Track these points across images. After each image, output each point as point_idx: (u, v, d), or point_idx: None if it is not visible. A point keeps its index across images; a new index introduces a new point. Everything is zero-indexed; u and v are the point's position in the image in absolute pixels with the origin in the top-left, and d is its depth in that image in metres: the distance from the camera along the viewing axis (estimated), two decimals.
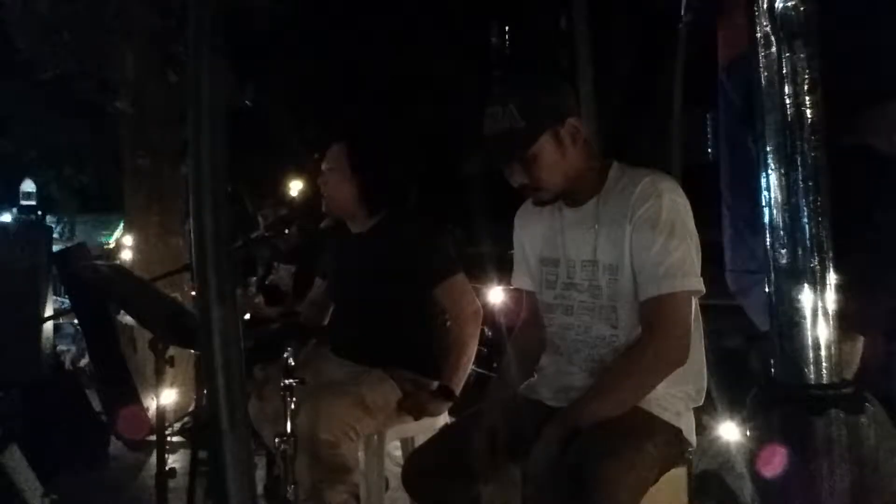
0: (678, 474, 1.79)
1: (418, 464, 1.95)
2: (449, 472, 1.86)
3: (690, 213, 1.76)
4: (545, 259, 1.93)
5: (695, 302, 1.78)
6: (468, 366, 2.53)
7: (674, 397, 1.78)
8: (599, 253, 1.79)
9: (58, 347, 5.73)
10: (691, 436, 1.82)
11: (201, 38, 0.97)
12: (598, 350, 1.81)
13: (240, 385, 0.95)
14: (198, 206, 0.92)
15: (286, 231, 3.11)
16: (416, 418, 2.45)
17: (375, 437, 2.48)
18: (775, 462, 1.29)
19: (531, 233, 1.99)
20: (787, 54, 1.39)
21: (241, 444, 0.92)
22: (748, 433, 1.43)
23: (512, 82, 1.83)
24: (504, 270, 2.12)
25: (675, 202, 1.72)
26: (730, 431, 2.37)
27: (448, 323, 2.61)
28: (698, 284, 1.73)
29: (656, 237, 1.69)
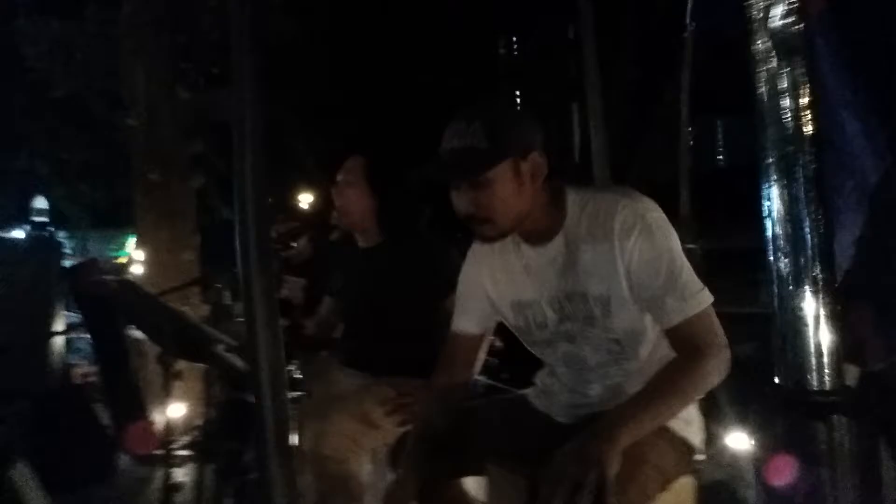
0: (686, 484, 1.76)
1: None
2: (434, 458, 1.84)
3: (669, 224, 1.68)
4: (521, 303, 1.82)
5: None
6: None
7: None
8: (587, 285, 1.70)
9: (69, 362, 5.75)
10: (699, 441, 1.78)
11: (244, 61, 0.96)
12: (607, 377, 1.77)
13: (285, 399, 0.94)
14: (244, 241, 0.91)
15: (294, 245, 3.11)
16: (408, 420, 2.42)
17: (382, 449, 2.47)
18: (783, 470, 1.28)
19: (492, 275, 1.87)
20: (787, 69, 1.40)
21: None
22: (753, 440, 1.42)
23: (482, 104, 1.74)
24: None
25: (658, 222, 1.65)
26: (739, 441, 2.35)
27: None
28: (710, 294, 1.67)
29: (660, 266, 1.62)
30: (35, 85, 6.88)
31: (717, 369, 1.63)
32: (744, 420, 2.21)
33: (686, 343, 1.64)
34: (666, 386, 1.61)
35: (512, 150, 1.65)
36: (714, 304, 1.74)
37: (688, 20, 3.54)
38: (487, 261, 1.87)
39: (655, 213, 1.67)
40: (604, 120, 3.03)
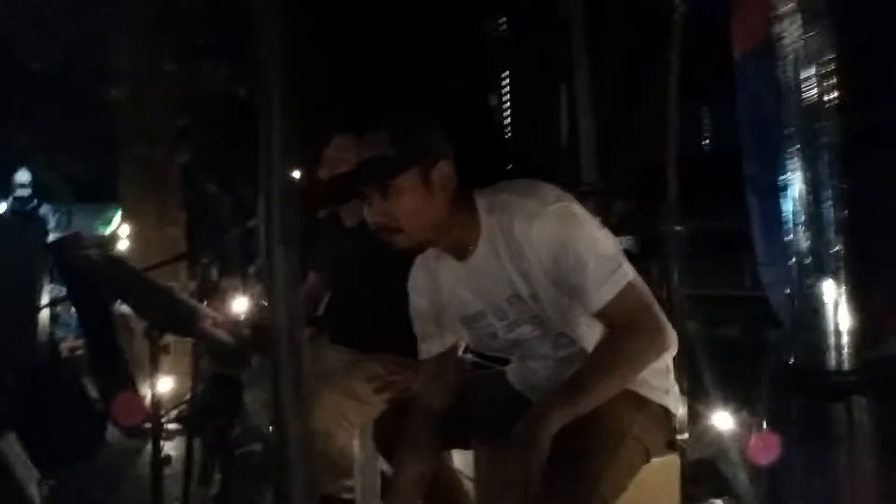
0: (671, 462, 1.80)
1: (393, 420, 1.98)
2: (420, 431, 1.88)
3: (577, 206, 1.66)
4: (468, 318, 1.82)
5: (639, 279, 1.71)
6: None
7: (660, 369, 1.76)
8: (519, 287, 1.70)
9: (55, 336, 5.73)
10: (677, 408, 1.80)
11: (271, 39, 0.95)
12: (567, 368, 1.74)
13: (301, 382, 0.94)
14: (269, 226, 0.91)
15: None
16: (399, 396, 2.45)
17: (370, 425, 2.49)
18: (768, 449, 1.29)
19: (436, 297, 1.86)
20: (811, 34, 1.34)
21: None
22: (763, 421, 1.41)
23: (391, 115, 1.74)
24: None
25: (556, 212, 1.63)
26: (724, 420, 2.39)
27: None
28: (630, 269, 1.66)
29: (565, 255, 1.61)
30: (17, 55, 6.77)
31: (650, 344, 1.62)
32: (733, 401, 2.24)
33: (614, 323, 1.63)
34: (597, 366, 1.61)
35: (419, 157, 1.66)
36: (700, 287, 1.76)
37: (675, 2, 3.53)
38: (427, 286, 1.87)
39: (552, 206, 1.64)
40: (591, 103, 3.04)
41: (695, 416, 2.15)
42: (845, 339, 1.30)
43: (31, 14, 6.01)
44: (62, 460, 3.31)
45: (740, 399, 2.25)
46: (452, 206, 1.71)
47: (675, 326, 1.75)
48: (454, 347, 1.94)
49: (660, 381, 1.77)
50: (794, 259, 1.34)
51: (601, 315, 1.64)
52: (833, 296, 1.31)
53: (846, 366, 1.29)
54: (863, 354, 1.30)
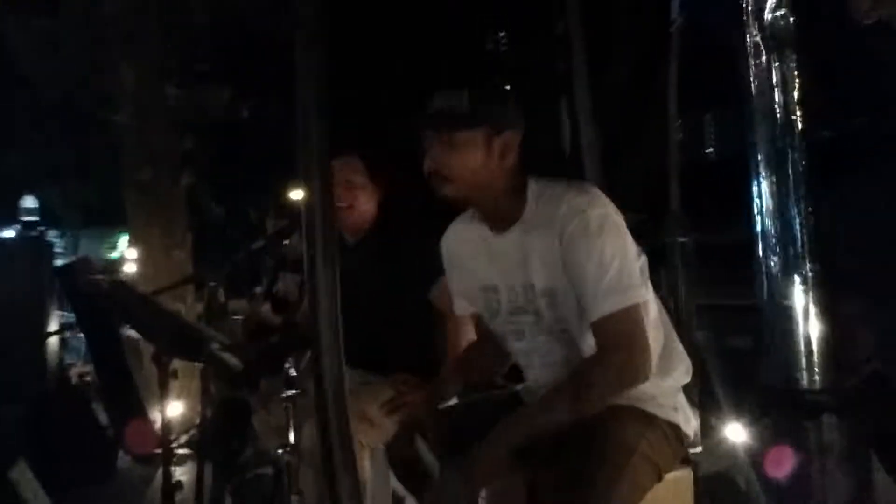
0: (683, 476, 1.78)
1: (406, 443, 1.97)
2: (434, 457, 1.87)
3: (621, 223, 1.71)
4: (485, 287, 1.88)
5: (654, 301, 1.76)
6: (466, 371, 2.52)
7: (669, 387, 1.76)
8: (535, 278, 1.75)
9: (64, 361, 5.74)
10: (690, 428, 1.79)
11: (309, 59, 0.97)
12: (566, 371, 1.78)
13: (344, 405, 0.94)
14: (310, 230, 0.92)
15: (286, 241, 3.11)
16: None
17: (381, 446, 2.47)
18: (782, 464, 1.28)
19: (463, 261, 1.95)
20: (777, 64, 1.39)
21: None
22: (748, 434, 1.42)
23: (477, 79, 1.87)
24: None
25: (600, 217, 1.68)
26: (736, 432, 2.37)
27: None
28: (643, 295, 1.69)
29: (590, 255, 1.65)
30: (23, 83, 6.83)
31: (619, 378, 1.64)
32: (739, 412, 2.22)
33: (601, 341, 1.66)
34: (566, 388, 1.66)
35: (489, 121, 1.74)
36: (706, 297, 1.75)
37: (675, 14, 3.54)
38: (460, 246, 1.95)
39: (599, 210, 1.69)
40: (593, 114, 3.04)
41: (707, 429, 2.13)
42: (816, 358, 1.32)
43: (38, 40, 6.07)
44: (73, 487, 3.31)
45: (753, 411, 2.23)
46: (506, 178, 1.78)
47: (683, 337, 1.75)
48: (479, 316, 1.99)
49: (668, 398, 1.76)
50: (764, 277, 1.37)
51: (595, 326, 1.67)
52: (803, 314, 1.33)
53: (818, 384, 1.31)
54: (833, 375, 1.31)
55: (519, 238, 1.77)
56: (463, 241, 1.94)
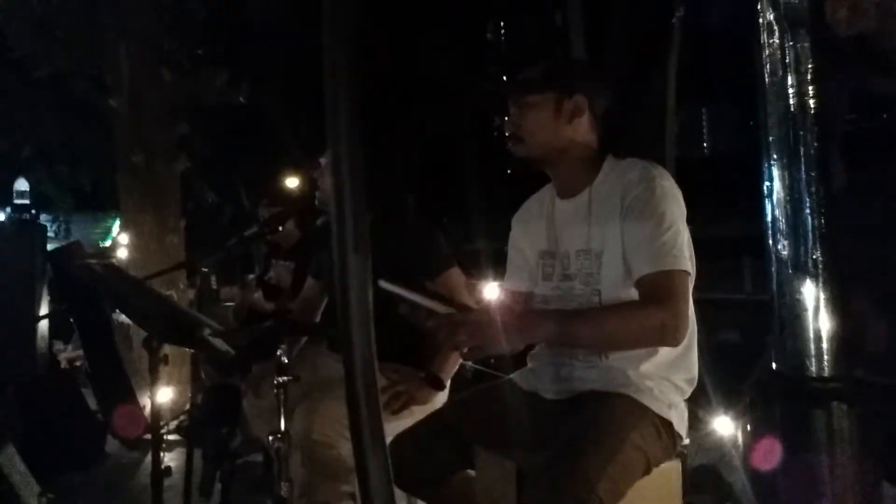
0: (672, 468, 1.78)
1: (403, 447, 1.96)
2: (433, 458, 1.88)
3: (683, 203, 1.76)
4: (543, 252, 1.95)
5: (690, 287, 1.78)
6: (458, 357, 2.53)
7: (668, 387, 1.78)
8: (592, 242, 1.81)
9: (54, 346, 5.73)
10: (683, 429, 1.81)
11: (338, 51, 0.95)
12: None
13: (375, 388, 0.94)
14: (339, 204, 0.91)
15: (280, 228, 3.11)
16: (404, 407, 2.44)
17: None
18: (772, 455, 1.28)
19: (528, 231, 2.01)
20: (791, 43, 1.37)
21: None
22: (747, 425, 1.41)
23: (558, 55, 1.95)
24: (501, 267, 2.10)
25: (665, 188, 1.74)
26: (725, 426, 2.38)
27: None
28: (689, 266, 1.72)
29: (648, 219, 1.71)
30: (16, 65, 6.79)
31: (661, 329, 1.67)
32: (733, 406, 2.23)
33: (646, 295, 1.70)
34: (612, 315, 1.73)
35: (559, 85, 1.85)
36: (700, 291, 1.76)
37: (675, 7, 3.54)
38: (529, 216, 2.03)
39: (667, 182, 1.76)
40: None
41: (696, 422, 2.14)
42: (826, 346, 1.31)
43: (32, 23, 6.02)
44: (62, 472, 3.31)
45: (741, 404, 2.24)
46: (579, 144, 1.86)
47: None
48: (528, 295, 2.01)
49: (665, 394, 1.76)
50: (774, 265, 1.36)
51: (639, 283, 1.71)
52: (814, 302, 1.32)
53: (827, 372, 1.30)
54: (843, 364, 1.31)
55: (585, 203, 1.84)
56: (530, 208, 2.03)
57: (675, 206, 1.74)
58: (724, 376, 2.17)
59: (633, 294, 1.74)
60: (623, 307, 1.73)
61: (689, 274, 1.72)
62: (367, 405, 0.90)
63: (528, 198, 2.06)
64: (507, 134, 1.91)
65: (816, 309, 1.30)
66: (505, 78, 2.00)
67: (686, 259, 1.72)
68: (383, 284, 1.65)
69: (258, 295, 3.78)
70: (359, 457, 0.89)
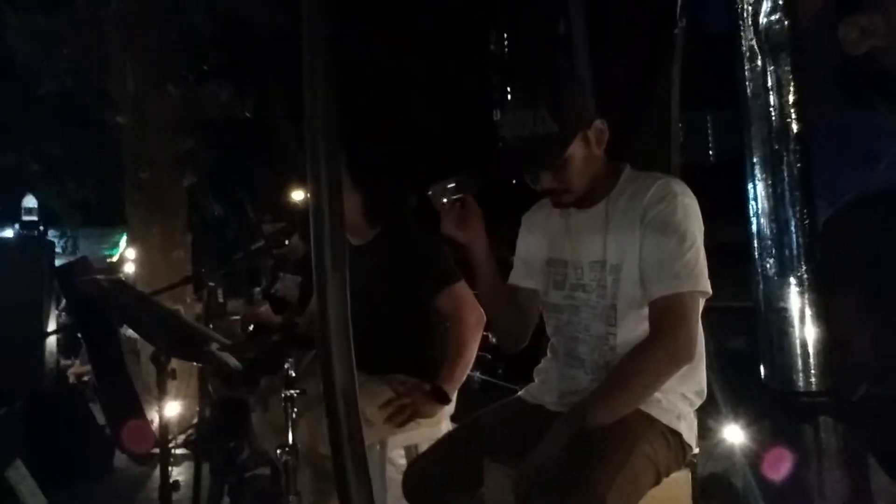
0: (682, 477, 1.78)
1: (419, 472, 1.95)
2: (450, 480, 1.87)
3: (701, 221, 1.76)
4: (552, 260, 1.93)
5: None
6: (465, 370, 2.53)
7: (676, 397, 1.77)
8: (608, 254, 1.79)
9: (62, 361, 5.73)
10: (692, 439, 1.80)
11: (316, 59, 0.97)
12: (598, 350, 1.81)
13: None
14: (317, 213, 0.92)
15: (286, 242, 3.11)
16: (409, 420, 2.43)
17: (378, 446, 2.48)
18: (779, 466, 1.28)
19: (538, 235, 1.99)
20: (772, 67, 1.41)
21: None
22: (746, 435, 1.42)
23: (536, 86, 1.83)
24: (504, 276, 2.08)
25: (687, 205, 1.73)
26: (734, 434, 2.36)
27: (449, 327, 2.60)
28: (708, 286, 1.73)
29: (669, 237, 1.69)
30: (23, 81, 6.83)
31: (672, 355, 1.67)
32: (736, 413, 2.22)
33: (655, 320, 1.70)
34: (627, 365, 1.70)
35: (579, 124, 1.76)
36: (708, 299, 1.76)
37: (678, 16, 3.54)
38: (540, 220, 1.99)
39: (689, 199, 1.74)
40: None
41: (705, 430, 2.12)
42: (812, 360, 1.33)
43: (38, 40, 6.06)
44: (70, 487, 3.30)
45: (751, 412, 2.22)
46: (605, 157, 1.83)
47: None
48: (532, 291, 1.99)
49: (674, 405, 1.76)
50: (760, 280, 1.38)
51: (655, 304, 1.70)
52: (799, 317, 1.34)
53: (814, 387, 1.31)
54: (830, 378, 1.32)
55: (602, 213, 1.81)
56: (544, 214, 1.98)
57: (696, 225, 1.73)
58: (735, 384, 2.16)
59: (644, 308, 1.74)
60: (627, 364, 1.71)
61: (705, 293, 1.73)
62: (347, 420, 0.91)
63: (538, 200, 2.02)
64: (544, 190, 1.83)
65: (802, 322, 1.32)
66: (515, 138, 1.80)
67: (706, 279, 1.72)
68: None
69: (265, 308, 3.79)
70: (338, 469, 0.90)
